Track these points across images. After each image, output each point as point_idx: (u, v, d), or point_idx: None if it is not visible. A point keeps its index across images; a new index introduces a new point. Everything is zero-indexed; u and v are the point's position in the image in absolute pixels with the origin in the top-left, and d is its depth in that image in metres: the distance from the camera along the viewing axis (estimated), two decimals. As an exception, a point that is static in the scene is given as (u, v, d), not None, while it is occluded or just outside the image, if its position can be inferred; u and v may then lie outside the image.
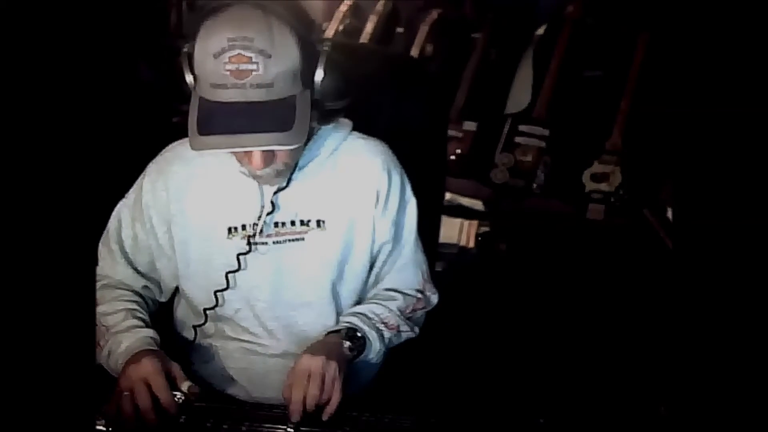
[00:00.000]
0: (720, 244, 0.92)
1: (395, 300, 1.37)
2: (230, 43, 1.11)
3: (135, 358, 1.23)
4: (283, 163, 1.24)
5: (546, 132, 2.51)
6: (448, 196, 2.48)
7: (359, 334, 1.30)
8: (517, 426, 1.21)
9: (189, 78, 1.18)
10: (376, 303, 1.36)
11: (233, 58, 1.10)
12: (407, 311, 1.39)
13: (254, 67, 1.10)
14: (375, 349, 1.32)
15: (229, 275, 1.32)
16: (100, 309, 1.33)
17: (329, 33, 2.82)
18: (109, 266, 1.38)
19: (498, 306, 2.27)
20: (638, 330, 2.07)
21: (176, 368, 1.23)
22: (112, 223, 1.39)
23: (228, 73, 1.11)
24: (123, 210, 1.38)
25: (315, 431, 1.18)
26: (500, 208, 2.52)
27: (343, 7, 2.90)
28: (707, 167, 0.93)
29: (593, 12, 2.67)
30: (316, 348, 1.26)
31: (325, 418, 1.19)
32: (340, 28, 2.85)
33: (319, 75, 1.18)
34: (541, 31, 2.76)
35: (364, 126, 1.40)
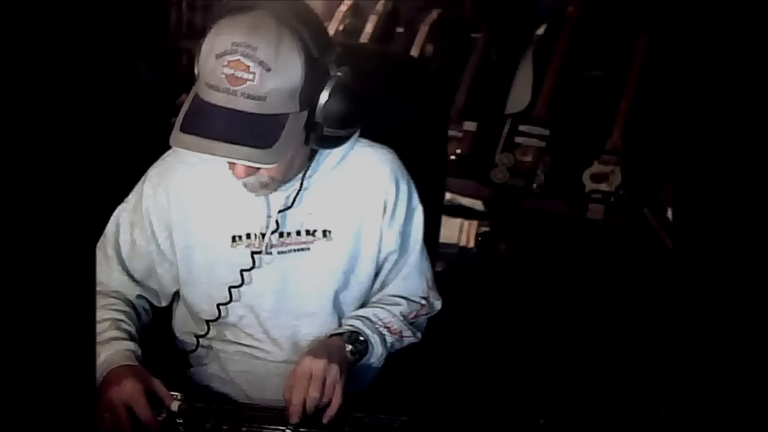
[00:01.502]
0: (720, 244, 0.92)
1: (399, 305, 1.37)
2: (233, 47, 1.09)
3: (116, 378, 1.19)
4: (268, 176, 1.21)
5: (546, 132, 2.51)
6: (448, 196, 2.48)
7: (362, 338, 1.29)
8: (518, 426, 1.21)
9: (196, 70, 1.16)
10: (380, 307, 1.36)
11: (232, 63, 1.08)
12: (410, 317, 1.38)
13: (250, 77, 1.08)
14: (377, 353, 1.32)
15: (232, 289, 1.31)
16: None
17: (329, 33, 2.82)
18: (104, 272, 1.35)
19: (498, 306, 2.27)
20: (638, 330, 2.07)
21: (159, 386, 1.20)
22: (110, 227, 1.36)
23: (224, 76, 1.09)
24: (122, 215, 1.36)
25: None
26: (500, 208, 2.52)
27: (343, 7, 2.89)
28: (707, 167, 0.93)
29: (593, 12, 2.67)
30: (318, 350, 1.25)
31: (325, 421, 1.19)
32: (340, 28, 2.85)
33: (322, 98, 1.15)
34: (541, 31, 2.76)
35: (363, 126, 1.39)
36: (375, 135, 1.39)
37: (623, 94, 2.49)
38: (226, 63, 1.09)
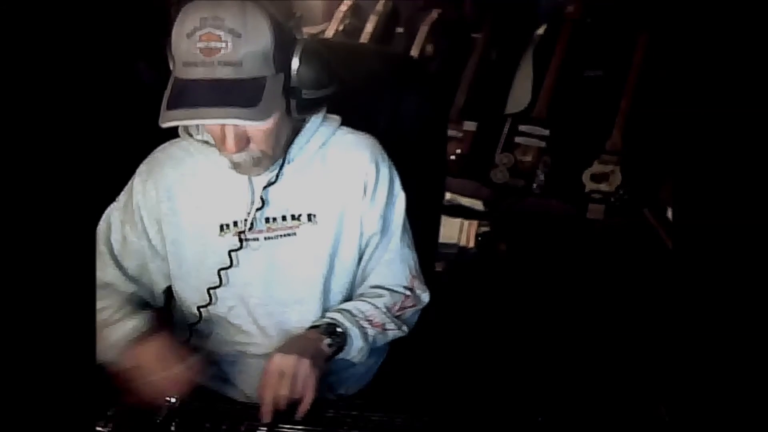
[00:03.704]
0: (720, 244, 0.92)
1: (382, 297, 1.36)
2: (202, 22, 1.13)
3: (139, 341, 1.26)
4: (259, 150, 1.24)
5: (546, 132, 2.51)
6: (448, 196, 2.48)
7: (339, 330, 1.28)
8: (517, 424, 1.21)
9: (171, 63, 1.19)
10: (362, 300, 1.35)
11: (203, 36, 1.12)
12: (395, 309, 1.37)
13: (223, 45, 1.12)
14: (356, 347, 1.31)
15: (222, 272, 1.32)
16: None
17: (329, 33, 2.82)
18: (99, 269, 1.37)
19: (498, 306, 2.27)
20: (638, 330, 2.07)
21: (181, 348, 1.26)
22: (101, 225, 1.38)
23: (198, 51, 1.12)
24: (113, 213, 1.38)
25: (317, 430, 1.17)
26: (500, 208, 2.52)
27: (343, 7, 2.89)
28: (707, 167, 0.93)
29: (593, 12, 2.67)
30: (290, 345, 1.25)
31: (297, 417, 1.19)
32: (340, 28, 2.85)
33: (294, 61, 1.19)
34: (541, 31, 2.76)
35: (364, 126, 1.40)
36: (375, 135, 1.39)
37: (623, 94, 2.49)
38: (198, 38, 1.13)
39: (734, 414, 0.90)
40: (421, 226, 1.48)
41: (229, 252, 1.31)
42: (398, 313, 1.38)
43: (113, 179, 1.42)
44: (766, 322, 0.89)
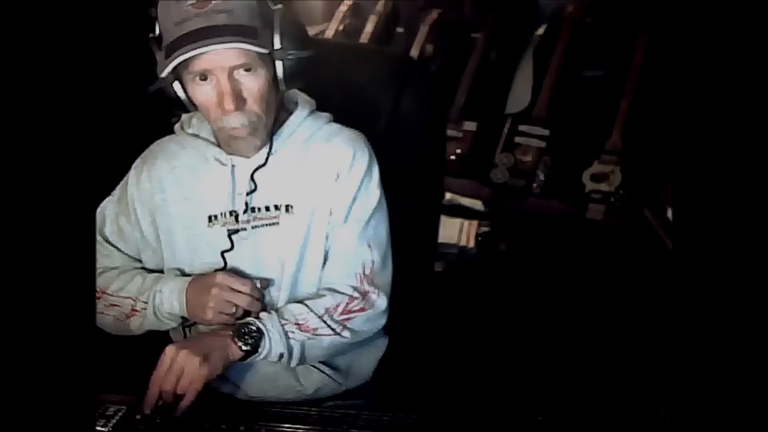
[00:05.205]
0: (720, 244, 0.92)
1: (322, 297, 1.31)
2: None
3: (197, 281, 1.31)
4: (254, 112, 1.25)
5: (546, 132, 2.51)
6: (448, 196, 2.48)
7: (254, 332, 1.24)
8: (516, 423, 1.21)
9: (156, 48, 1.22)
10: (300, 302, 1.31)
11: None
12: (337, 312, 1.30)
13: None
14: (274, 351, 1.25)
15: (225, 254, 1.33)
16: (112, 289, 1.37)
17: (329, 33, 2.82)
18: (103, 256, 1.42)
19: (498, 306, 2.27)
20: (638, 330, 2.07)
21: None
22: (97, 219, 1.41)
23: (190, 6, 1.17)
24: (108, 207, 1.42)
25: (327, 430, 1.17)
26: (500, 208, 2.52)
27: (343, 7, 2.89)
28: (707, 167, 0.93)
29: (593, 12, 2.67)
30: (193, 339, 1.28)
31: (176, 414, 1.17)
32: (340, 28, 2.85)
33: (276, 20, 1.23)
34: (541, 31, 2.76)
35: (364, 126, 1.40)
36: (375, 135, 1.39)
37: (623, 94, 2.49)
38: None
39: (734, 414, 0.90)
40: (421, 226, 1.48)
41: (229, 235, 1.32)
42: (342, 317, 1.30)
43: (110, 177, 1.43)
44: (766, 322, 0.89)
